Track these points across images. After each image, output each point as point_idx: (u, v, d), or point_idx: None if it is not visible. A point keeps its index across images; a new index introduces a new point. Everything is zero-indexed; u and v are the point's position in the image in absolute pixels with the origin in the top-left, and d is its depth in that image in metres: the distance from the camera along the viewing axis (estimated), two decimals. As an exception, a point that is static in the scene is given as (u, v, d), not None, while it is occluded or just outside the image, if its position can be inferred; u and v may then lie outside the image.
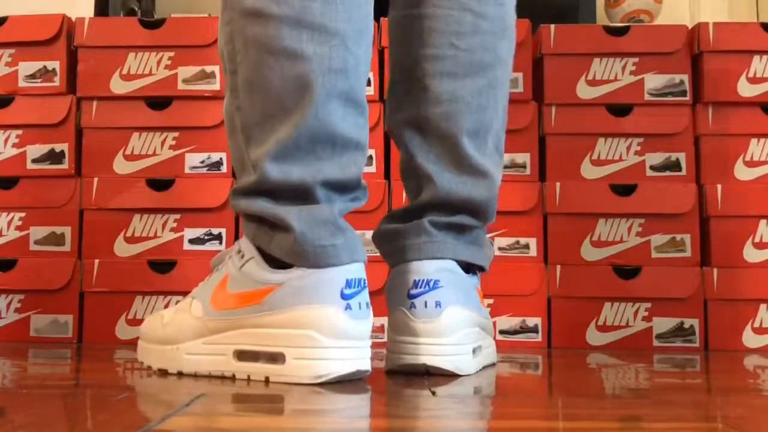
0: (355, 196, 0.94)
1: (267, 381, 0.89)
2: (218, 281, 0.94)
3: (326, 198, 0.91)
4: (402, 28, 1.06)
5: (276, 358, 0.89)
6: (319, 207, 0.90)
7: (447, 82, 1.03)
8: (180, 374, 0.95)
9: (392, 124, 1.08)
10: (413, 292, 0.98)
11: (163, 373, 0.96)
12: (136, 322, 1.50)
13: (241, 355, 0.91)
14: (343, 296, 0.88)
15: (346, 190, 0.93)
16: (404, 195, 1.11)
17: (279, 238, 0.90)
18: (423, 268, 0.99)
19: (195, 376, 0.94)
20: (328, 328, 0.87)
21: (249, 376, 0.91)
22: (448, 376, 0.97)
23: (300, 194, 0.90)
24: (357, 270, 0.89)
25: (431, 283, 0.98)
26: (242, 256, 0.93)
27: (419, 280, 0.98)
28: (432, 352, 0.96)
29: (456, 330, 0.97)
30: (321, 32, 0.89)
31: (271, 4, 0.89)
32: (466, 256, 1.03)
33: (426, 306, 0.96)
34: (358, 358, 0.88)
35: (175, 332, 0.96)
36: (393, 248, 1.03)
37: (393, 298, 1.00)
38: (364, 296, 0.89)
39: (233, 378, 0.92)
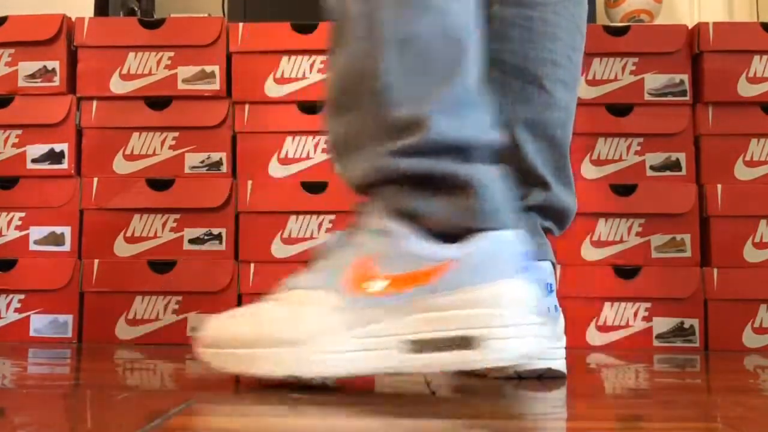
0: None
1: (457, 371, 0.81)
2: (352, 264, 0.82)
3: (485, 158, 0.85)
4: (514, 26, 1.04)
5: (463, 342, 0.79)
6: (490, 167, 0.85)
7: (563, 90, 1.03)
8: (320, 379, 0.81)
9: (505, 118, 1.02)
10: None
11: (295, 380, 0.81)
12: (136, 322, 1.50)
13: (414, 345, 0.80)
14: (524, 269, 0.82)
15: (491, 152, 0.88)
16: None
17: (453, 201, 0.82)
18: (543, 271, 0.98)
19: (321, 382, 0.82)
20: (521, 304, 0.80)
21: (427, 368, 0.80)
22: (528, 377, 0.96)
23: (467, 153, 0.84)
24: (522, 237, 0.83)
25: (551, 287, 0.96)
26: (388, 234, 0.82)
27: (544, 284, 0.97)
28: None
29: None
30: None
31: None
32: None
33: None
34: (543, 336, 0.81)
35: (308, 330, 0.81)
36: None
37: None
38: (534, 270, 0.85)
39: (396, 375, 0.82)
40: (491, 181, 0.83)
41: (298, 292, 0.84)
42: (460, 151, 0.84)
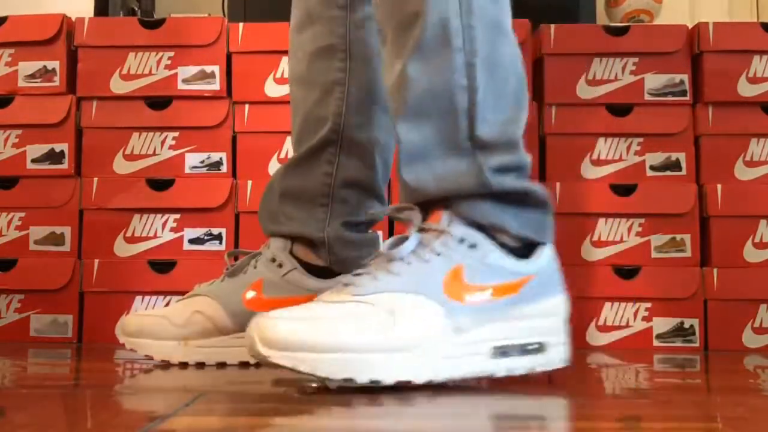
0: None
1: (530, 373, 0.88)
2: (445, 274, 0.86)
3: None
4: (378, 55, 1.14)
5: (536, 348, 0.89)
6: None
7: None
8: (431, 383, 0.83)
9: (368, 138, 1.16)
10: None
11: (405, 385, 0.82)
12: (136, 322, 1.49)
13: (503, 350, 0.87)
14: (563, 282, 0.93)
15: None
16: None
17: (531, 215, 0.91)
18: None
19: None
20: (567, 314, 0.92)
21: (510, 371, 0.87)
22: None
23: (528, 173, 0.93)
24: None
25: None
26: (474, 246, 0.87)
27: None
28: None
29: None
30: None
31: None
32: None
33: None
34: None
35: (417, 335, 0.83)
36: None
37: None
38: None
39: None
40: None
41: (389, 296, 0.84)
42: (528, 171, 0.93)
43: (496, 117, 0.90)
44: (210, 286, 1.11)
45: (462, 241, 0.87)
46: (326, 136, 1.11)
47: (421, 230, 0.88)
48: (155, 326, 1.07)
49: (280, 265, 1.08)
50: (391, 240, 0.89)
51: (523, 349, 0.88)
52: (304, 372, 0.80)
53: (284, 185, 1.13)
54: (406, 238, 0.87)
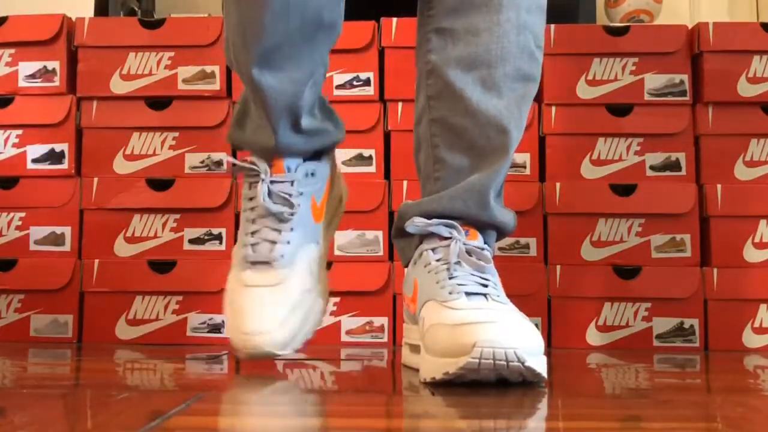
0: None
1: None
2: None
3: None
4: None
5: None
6: None
7: None
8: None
9: None
10: None
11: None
12: (136, 322, 1.50)
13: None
14: None
15: None
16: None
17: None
18: None
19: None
20: None
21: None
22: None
23: None
24: None
25: None
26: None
27: None
28: None
29: None
30: None
31: None
32: None
33: None
34: None
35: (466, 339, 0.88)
36: None
37: None
38: None
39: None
40: None
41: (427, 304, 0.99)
42: None
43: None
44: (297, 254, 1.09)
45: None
46: (333, 41, 1.07)
47: None
48: (298, 321, 1.03)
49: (313, 174, 1.13)
50: None
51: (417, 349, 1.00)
52: None
53: (311, 100, 1.10)
54: None
